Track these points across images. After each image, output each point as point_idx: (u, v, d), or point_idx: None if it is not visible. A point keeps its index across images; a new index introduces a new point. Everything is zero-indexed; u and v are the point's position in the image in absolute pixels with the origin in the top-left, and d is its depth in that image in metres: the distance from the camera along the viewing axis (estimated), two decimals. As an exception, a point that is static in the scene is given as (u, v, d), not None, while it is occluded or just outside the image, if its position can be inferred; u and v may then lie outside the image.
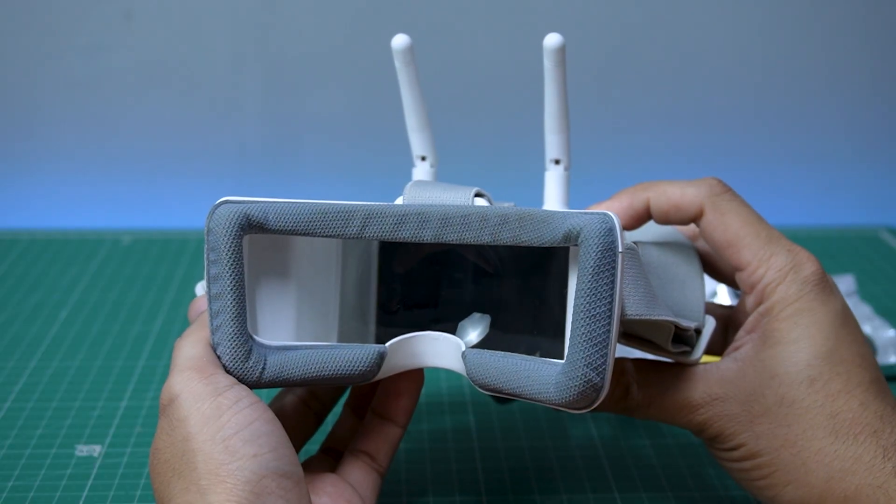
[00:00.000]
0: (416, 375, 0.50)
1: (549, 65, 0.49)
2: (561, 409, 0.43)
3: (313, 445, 0.53)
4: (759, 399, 0.47)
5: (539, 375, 0.42)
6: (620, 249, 0.41)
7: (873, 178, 1.00)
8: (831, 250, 0.90)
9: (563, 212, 0.42)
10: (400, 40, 0.50)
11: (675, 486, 0.56)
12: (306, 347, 0.45)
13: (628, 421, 0.62)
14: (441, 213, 0.44)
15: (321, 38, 0.93)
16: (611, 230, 0.41)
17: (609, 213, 0.41)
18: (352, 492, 0.47)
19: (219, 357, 0.44)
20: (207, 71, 0.94)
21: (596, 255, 0.40)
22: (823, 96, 0.97)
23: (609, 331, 0.41)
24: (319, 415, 0.52)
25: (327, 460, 0.51)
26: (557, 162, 0.53)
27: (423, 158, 0.54)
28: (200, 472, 0.40)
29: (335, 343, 0.48)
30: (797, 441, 0.46)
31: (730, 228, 0.49)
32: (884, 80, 0.97)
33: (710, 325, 0.51)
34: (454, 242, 0.44)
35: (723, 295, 0.70)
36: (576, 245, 0.42)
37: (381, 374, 0.45)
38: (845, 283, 0.77)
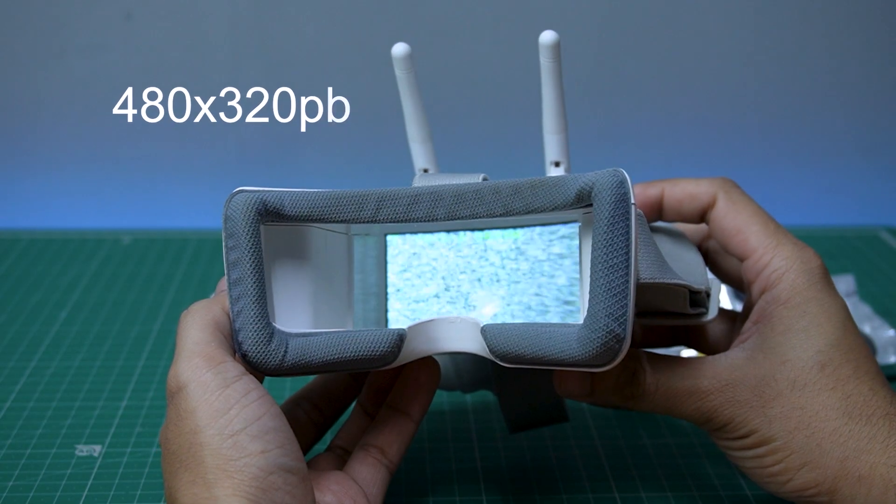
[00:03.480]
0: (434, 370, 0.50)
1: (544, 62, 0.50)
2: (583, 369, 0.43)
3: (320, 445, 0.53)
4: (771, 383, 0.47)
5: (560, 335, 0.43)
6: (633, 201, 0.42)
7: (873, 178, 1.00)
8: (831, 250, 0.90)
9: (574, 174, 0.43)
10: (400, 48, 0.50)
11: (675, 486, 0.56)
12: (326, 333, 0.45)
13: (628, 421, 0.62)
14: (454, 191, 0.45)
15: (321, 37, 0.93)
16: (623, 182, 0.42)
17: (620, 168, 0.42)
18: (357, 489, 0.47)
19: (240, 343, 0.44)
20: (207, 71, 0.94)
21: (610, 205, 0.41)
22: (824, 96, 0.97)
23: (627, 280, 0.41)
24: (321, 427, 0.52)
25: (334, 458, 0.51)
26: (558, 164, 0.53)
27: (426, 171, 0.54)
28: (208, 466, 0.40)
29: (354, 329, 0.48)
30: (811, 422, 0.46)
31: (740, 216, 0.51)
32: (884, 80, 0.97)
33: (716, 284, 0.52)
34: (467, 217, 0.45)
35: (724, 298, 0.70)
36: (588, 204, 0.43)
37: (400, 360, 0.46)
38: (845, 283, 0.77)
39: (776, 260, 0.49)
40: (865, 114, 0.98)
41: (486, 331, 0.45)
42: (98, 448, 0.59)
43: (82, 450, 0.59)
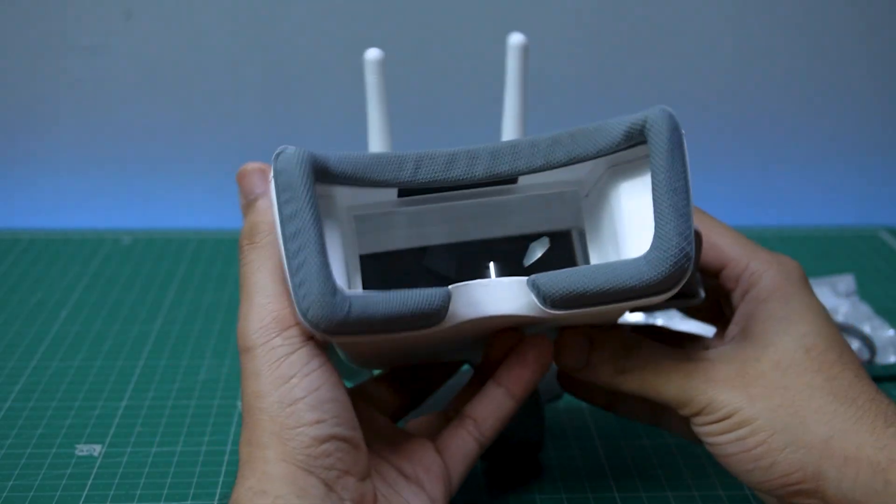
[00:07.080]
0: (545, 349, 0.50)
1: (511, 63, 0.50)
2: (647, 299, 0.43)
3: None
4: (754, 364, 0.47)
5: (624, 265, 0.43)
6: (683, 131, 0.44)
7: (873, 178, 1.00)
8: (831, 250, 0.90)
9: (614, 119, 0.45)
10: (373, 53, 0.51)
11: (675, 486, 0.56)
12: (379, 292, 0.43)
13: (628, 421, 0.62)
14: (490, 149, 0.45)
15: (321, 37, 0.93)
16: (673, 115, 0.45)
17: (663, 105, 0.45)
18: (439, 463, 0.48)
19: (302, 297, 0.42)
20: (207, 71, 0.94)
21: (668, 133, 0.44)
22: (823, 97, 0.97)
23: (689, 202, 0.44)
24: (406, 399, 0.54)
25: (442, 421, 0.51)
26: None
27: None
28: (264, 429, 0.43)
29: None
30: (795, 400, 0.46)
31: (712, 234, 0.51)
32: (883, 81, 0.97)
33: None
34: (506, 173, 0.45)
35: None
36: (638, 143, 0.45)
37: (448, 321, 0.44)
38: (845, 283, 0.77)
39: (753, 263, 0.49)
40: (865, 114, 0.98)
41: (535, 281, 0.44)
42: (98, 448, 0.59)
43: (82, 450, 0.59)
